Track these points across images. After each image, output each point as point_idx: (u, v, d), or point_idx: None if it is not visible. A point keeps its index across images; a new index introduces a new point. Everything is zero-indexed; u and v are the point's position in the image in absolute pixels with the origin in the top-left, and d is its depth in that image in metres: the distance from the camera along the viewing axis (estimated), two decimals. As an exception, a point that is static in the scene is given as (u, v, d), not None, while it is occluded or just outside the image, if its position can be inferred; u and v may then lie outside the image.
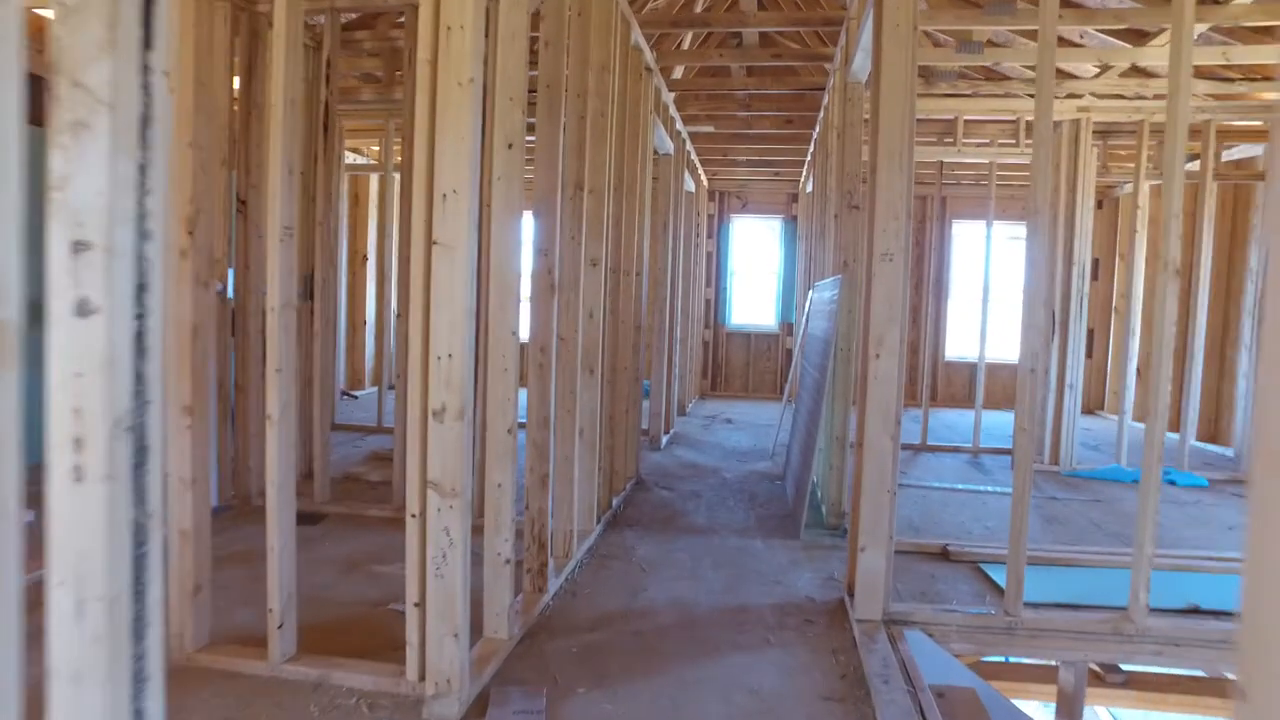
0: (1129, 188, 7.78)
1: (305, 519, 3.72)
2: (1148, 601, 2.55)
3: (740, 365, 9.73)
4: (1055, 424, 5.43)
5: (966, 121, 5.77)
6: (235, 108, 4.06)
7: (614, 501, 4.08)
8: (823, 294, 4.37)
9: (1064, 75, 5.21)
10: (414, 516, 1.99)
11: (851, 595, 2.74)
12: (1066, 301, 5.38)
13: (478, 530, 2.21)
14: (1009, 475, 5.26)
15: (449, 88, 1.88)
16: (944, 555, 3.44)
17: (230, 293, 3.94)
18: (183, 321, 2.16)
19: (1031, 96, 5.39)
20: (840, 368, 3.74)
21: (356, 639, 2.46)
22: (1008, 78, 5.41)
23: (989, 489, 4.81)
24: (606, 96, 3.50)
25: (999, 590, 3.03)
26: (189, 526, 2.19)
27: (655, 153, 5.88)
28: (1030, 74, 5.44)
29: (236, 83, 4.06)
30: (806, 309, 5.73)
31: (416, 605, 2.02)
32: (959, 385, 9.40)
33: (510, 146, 2.30)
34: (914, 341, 9.27)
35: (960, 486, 4.84)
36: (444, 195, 1.89)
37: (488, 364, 2.35)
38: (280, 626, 2.16)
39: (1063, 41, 4.74)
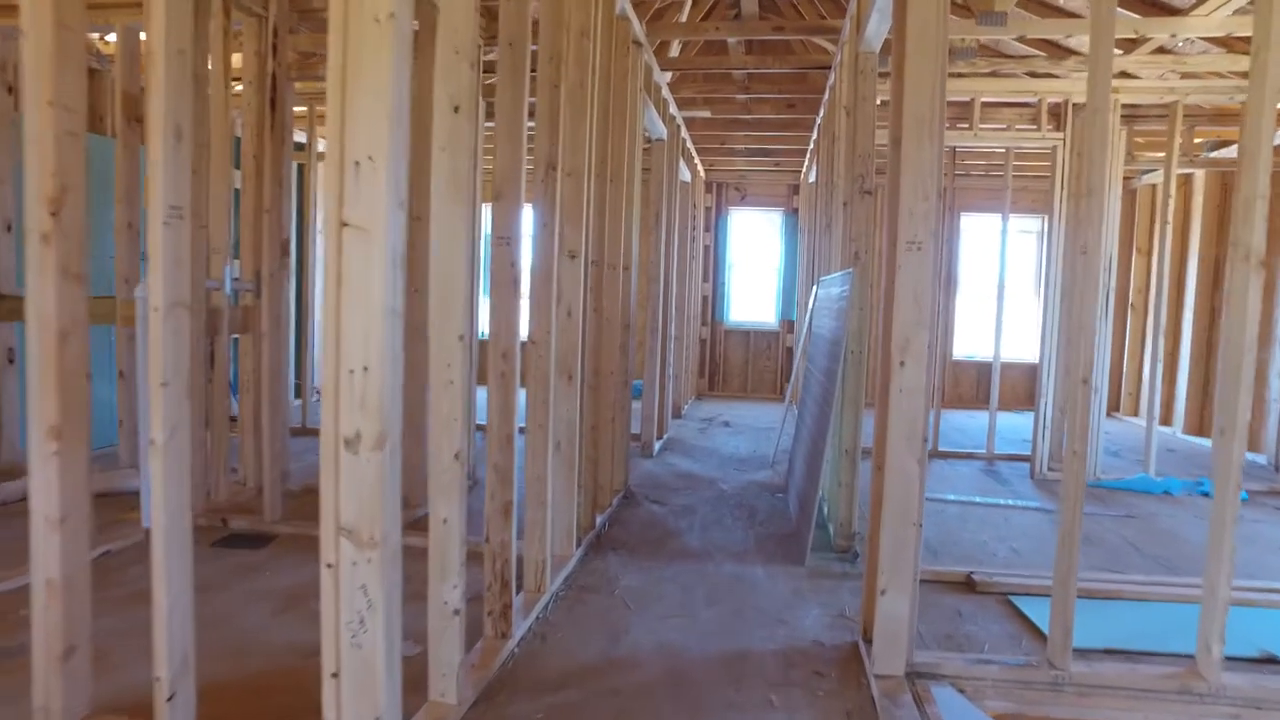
0: (1146, 178, 7.37)
1: (249, 542, 3.32)
2: (1222, 654, 2.14)
3: (739, 364, 9.33)
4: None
5: (983, 104, 5.35)
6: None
7: (598, 520, 3.68)
8: (830, 290, 3.96)
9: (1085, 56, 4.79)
10: (329, 567, 1.59)
11: (868, 642, 2.34)
12: (1091, 298, 4.96)
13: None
14: (1029, 486, 4.86)
15: (363, 24, 1.46)
16: (969, 585, 3.03)
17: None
18: (46, 322, 1.75)
19: (1055, 76, 4.98)
20: (851, 372, 3.34)
21: (277, 702, 2.06)
22: (1030, 55, 5.00)
23: (1010, 502, 4.40)
24: (587, 66, 3.09)
25: (1036, 631, 2.62)
26: (57, 575, 1.78)
27: (647, 138, 5.46)
28: (1043, 52, 5.03)
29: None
30: (810, 306, 5.32)
31: (334, 676, 1.62)
32: (966, 385, 9.00)
33: (457, 110, 1.89)
34: (921, 339, 8.85)
35: (978, 500, 4.44)
36: (356, 163, 1.47)
37: (430, 376, 1.94)
38: (171, 698, 1.75)
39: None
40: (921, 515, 2.20)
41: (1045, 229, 5.63)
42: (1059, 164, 5.00)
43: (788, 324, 9.16)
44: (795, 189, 9.06)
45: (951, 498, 4.47)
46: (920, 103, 2.09)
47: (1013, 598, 2.91)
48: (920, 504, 2.19)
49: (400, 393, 1.57)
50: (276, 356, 3.55)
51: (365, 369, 1.49)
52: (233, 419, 4.14)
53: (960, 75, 5.02)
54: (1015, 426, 7.43)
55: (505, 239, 2.32)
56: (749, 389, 9.32)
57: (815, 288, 5.33)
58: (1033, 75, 5.04)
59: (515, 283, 2.33)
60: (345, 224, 1.49)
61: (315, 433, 5.73)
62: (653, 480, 4.74)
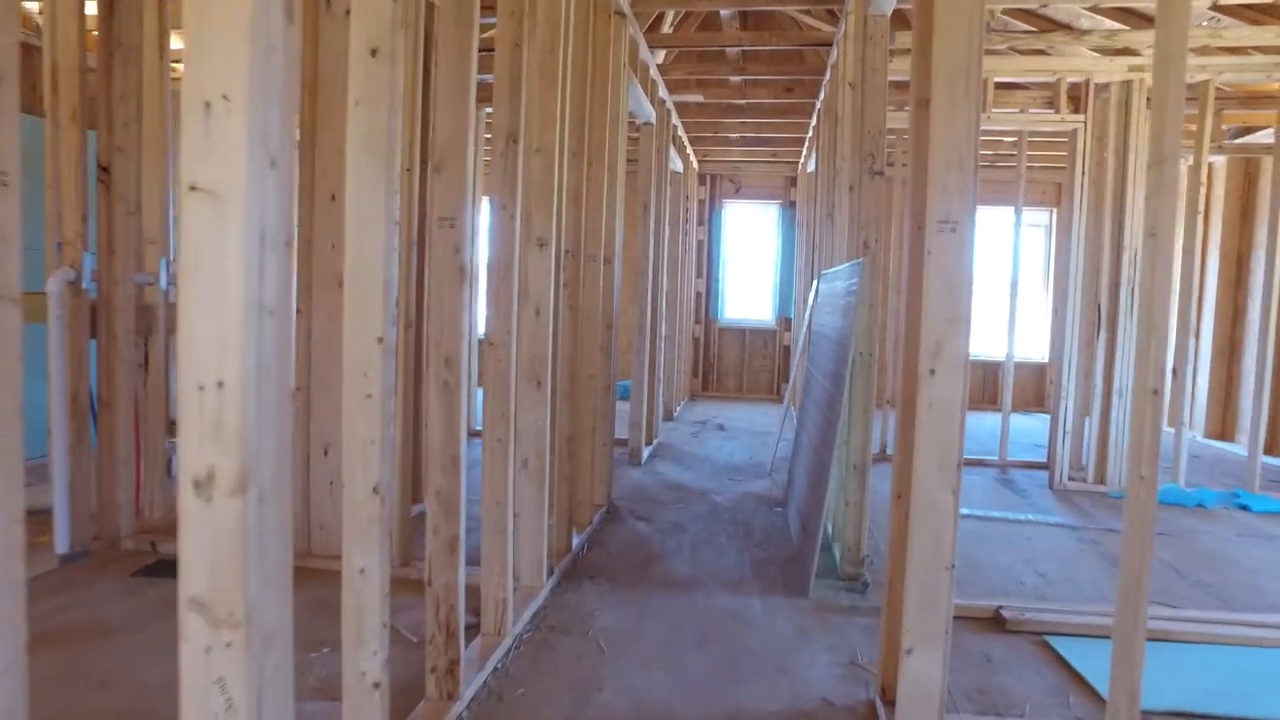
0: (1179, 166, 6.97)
1: (171, 569, 2.91)
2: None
3: (734, 363, 8.94)
4: (1100, 437, 4.64)
5: (996, 85, 4.96)
6: (96, 50, 3.24)
7: (575, 541, 3.28)
8: (834, 284, 3.57)
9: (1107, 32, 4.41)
10: (186, 642, 1.19)
11: (889, 704, 1.95)
12: (1115, 293, 4.59)
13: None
14: (1048, 497, 4.48)
15: (210, -91, 1.06)
16: (998, 623, 2.64)
17: (88, 282, 3.12)
18: None
19: (1070, 54, 4.59)
20: (860, 376, 2.94)
21: (159, 795, 1.65)
22: (1051, 28, 4.61)
23: (1031, 518, 4.01)
24: (559, 27, 2.69)
25: (1083, 683, 2.24)
26: None
27: (634, 122, 5.07)
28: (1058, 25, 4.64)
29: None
30: (811, 303, 4.93)
31: (198, 789, 1.22)
32: (971, 386, 8.62)
33: (374, 54, 1.49)
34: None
35: (996, 515, 4.05)
36: (206, 104, 1.07)
37: (343, 390, 1.54)
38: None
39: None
40: (954, 556, 1.81)
41: (1053, 222, 5.26)
42: (1079, 149, 4.61)
43: (785, 321, 8.77)
44: (792, 181, 8.67)
45: (966, 512, 4.08)
46: (955, 47, 1.69)
47: (1051, 639, 2.52)
48: (954, 543, 1.80)
49: (281, 416, 1.17)
50: None
51: (220, 384, 1.09)
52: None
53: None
54: (1025, 430, 7.06)
55: (449, 220, 1.92)
56: (744, 389, 8.93)
57: (816, 282, 4.94)
58: (1051, 54, 4.65)
59: (462, 273, 1.93)
60: (192, 187, 1.08)
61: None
62: (640, 492, 4.34)
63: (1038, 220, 8.40)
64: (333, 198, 2.98)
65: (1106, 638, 2.56)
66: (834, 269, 3.72)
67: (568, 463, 3.14)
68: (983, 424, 7.27)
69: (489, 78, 3.39)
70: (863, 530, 3.05)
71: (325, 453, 2.99)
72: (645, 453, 5.19)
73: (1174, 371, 7.16)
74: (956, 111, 1.72)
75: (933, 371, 1.74)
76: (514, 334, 2.31)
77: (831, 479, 2.87)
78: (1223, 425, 6.48)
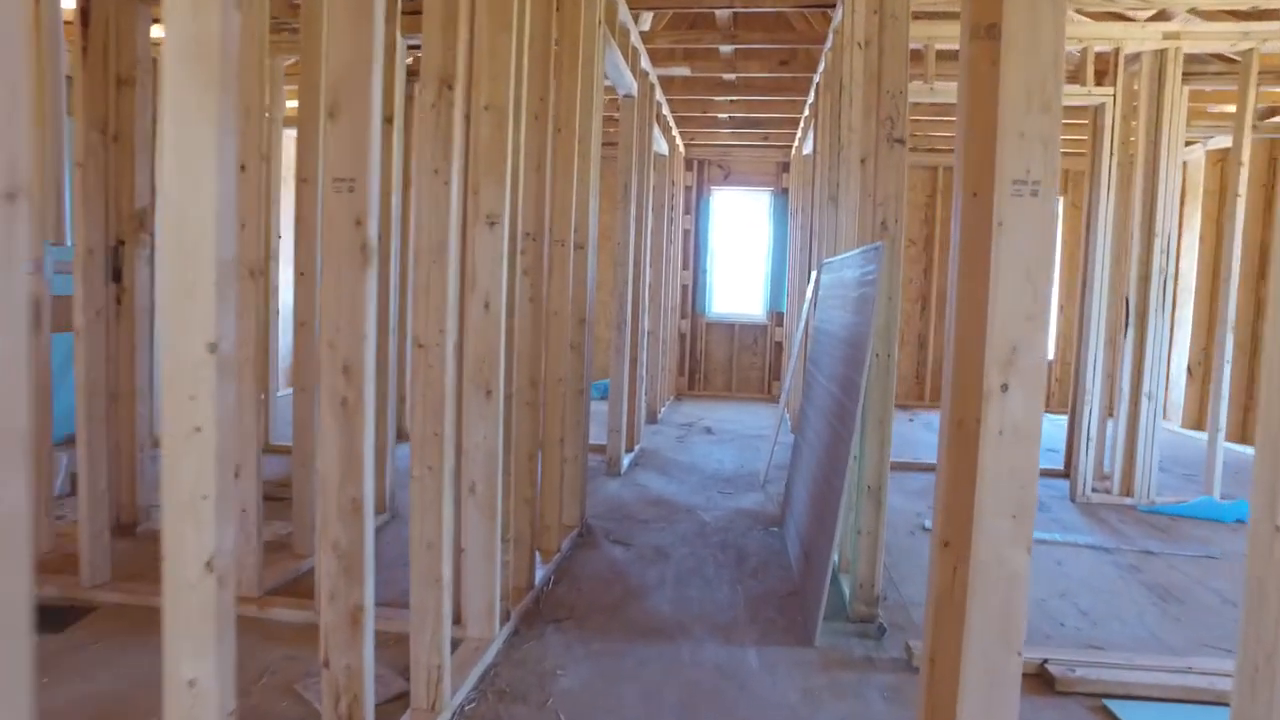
0: (1198, 150, 6.56)
1: (50, 619, 2.41)
2: None
3: (722, 360, 8.47)
4: (1128, 444, 4.20)
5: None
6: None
7: (540, 575, 2.80)
8: (841, 274, 3.09)
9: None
10: None
11: (930, 822, 1.48)
12: (1145, 285, 4.14)
13: None
14: (1072, 511, 4.04)
15: None
16: (1045, 681, 2.19)
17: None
18: None
19: (1106, 18, 4.14)
20: (877, 383, 2.47)
21: None
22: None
23: (1058, 539, 3.57)
24: (512, -45, 2.19)
25: (1165, 774, 1.78)
26: None
27: (613, 92, 4.57)
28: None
29: None
30: (811, 296, 4.46)
31: None
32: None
33: (201, -82, 1.00)
34: (923, 335, 8.04)
35: (1019, 535, 3.60)
36: None
37: (163, 417, 1.05)
38: None
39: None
40: (1023, 635, 1.34)
41: (1060, 210, 4.81)
42: (1107, 125, 4.15)
43: (776, 316, 8.31)
44: (785, 166, 8.20)
45: (985, 531, 3.63)
46: (1042, -62, 1.22)
47: (1111, 704, 2.06)
48: (1024, 618, 1.33)
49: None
50: (95, 358, 2.63)
51: None
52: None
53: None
54: (1032, 432, 6.62)
55: (346, 182, 1.43)
56: (734, 388, 8.46)
57: (815, 273, 4.47)
58: (1073, 20, 4.20)
59: (365, 253, 1.44)
60: None
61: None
62: (618, 509, 3.86)
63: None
64: (243, 168, 2.47)
65: (1179, 701, 2.11)
66: (840, 256, 3.24)
67: (529, 483, 2.66)
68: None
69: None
70: (877, 562, 2.58)
71: (236, 475, 2.49)
72: (625, 461, 4.71)
73: (1188, 370, 6.75)
74: (1040, 32, 1.25)
75: (1005, 387, 1.26)
76: (449, 333, 1.82)
77: (843, 502, 2.40)
78: (1244, 427, 6.07)
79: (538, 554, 3.02)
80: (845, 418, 2.50)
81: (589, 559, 3.13)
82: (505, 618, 2.40)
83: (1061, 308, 7.55)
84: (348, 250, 1.43)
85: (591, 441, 5.24)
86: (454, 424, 2.26)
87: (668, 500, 4.05)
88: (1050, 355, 7.57)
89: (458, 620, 2.33)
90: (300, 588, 2.66)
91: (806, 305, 4.51)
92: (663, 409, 6.95)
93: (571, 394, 3.34)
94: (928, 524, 3.70)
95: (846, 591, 2.71)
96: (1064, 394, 7.90)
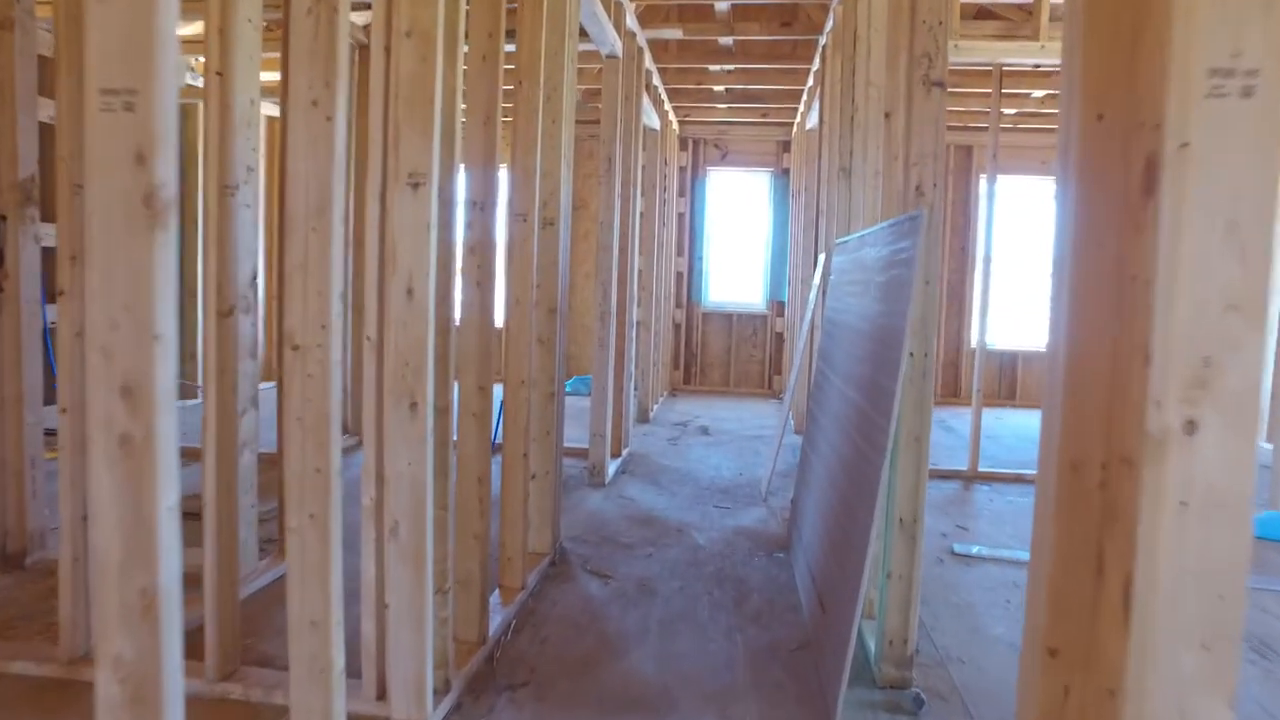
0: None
1: None
2: None
3: (719, 353, 7.96)
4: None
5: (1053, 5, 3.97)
6: None
7: (496, 623, 2.30)
8: (860, 254, 2.57)
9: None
10: None
11: None
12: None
13: None
14: None
15: None
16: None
17: None
18: None
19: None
20: (913, 390, 1.96)
21: None
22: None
23: None
24: None
25: None
26: None
27: (590, 47, 4.04)
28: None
29: None
30: (817, 282, 3.94)
31: None
32: (988, 379, 7.68)
33: None
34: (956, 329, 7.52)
35: (1064, 560, 3.09)
36: None
37: None
38: None
39: None
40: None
41: None
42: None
43: (777, 306, 7.79)
44: (786, 146, 7.66)
45: (1024, 557, 3.13)
46: None
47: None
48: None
49: None
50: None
51: None
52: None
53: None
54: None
55: (121, 96, 0.91)
56: (732, 382, 7.95)
57: (824, 256, 3.95)
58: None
59: (152, 205, 0.92)
60: None
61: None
62: (599, 528, 3.35)
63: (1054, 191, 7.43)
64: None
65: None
66: (857, 234, 2.72)
67: (479, 514, 2.15)
68: (1004, 424, 6.34)
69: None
70: (911, 613, 2.07)
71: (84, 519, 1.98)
72: (611, 469, 4.20)
73: None
74: None
75: (1191, 425, 0.75)
76: (331, 330, 1.31)
77: (872, 536, 1.88)
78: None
79: (498, 592, 2.52)
80: (872, 433, 1.99)
81: (560, 596, 2.61)
82: (444, 688, 1.89)
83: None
84: (120, 204, 0.90)
85: (573, 445, 4.73)
86: (375, 446, 1.76)
87: (657, 517, 3.54)
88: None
89: (381, 696, 1.83)
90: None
91: (814, 293, 3.99)
92: (655, 406, 6.44)
93: (540, 398, 2.82)
94: (957, 547, 3.19)
95: (871, 646, 2.20)
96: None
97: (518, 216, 2.46)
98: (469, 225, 2.06)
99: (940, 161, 1.98)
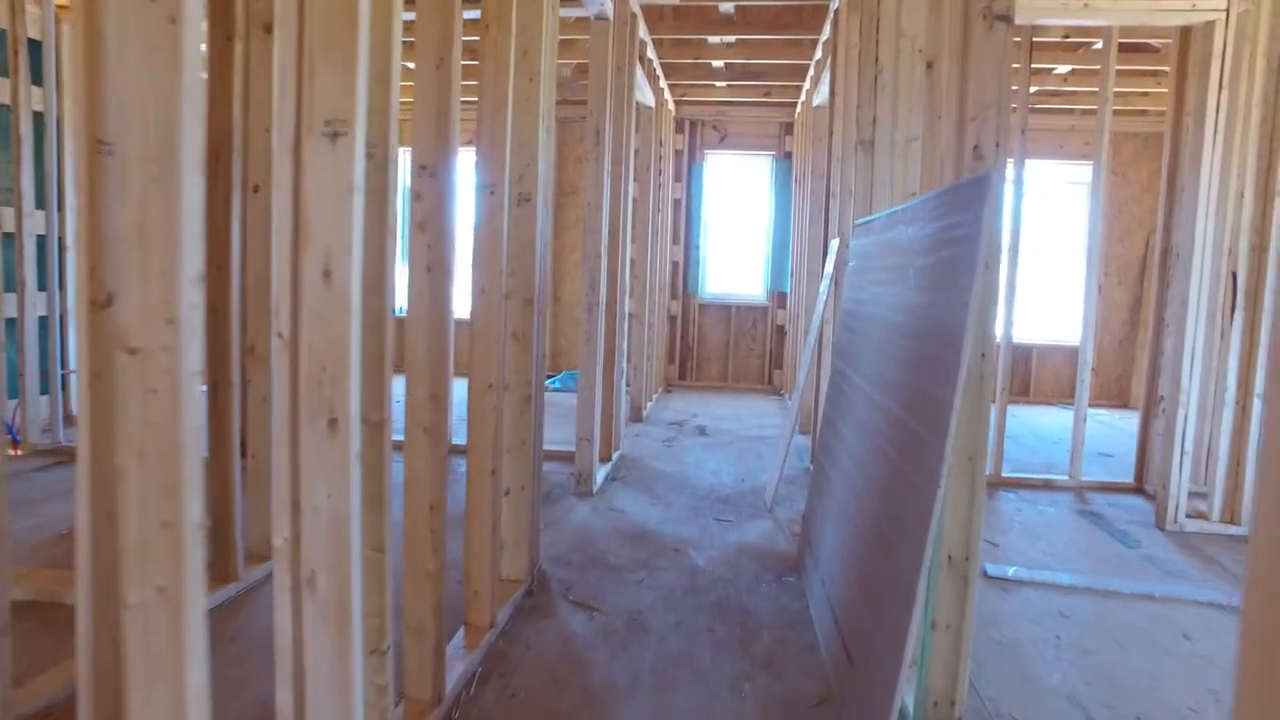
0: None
1: None
2: None
3: (717, 346, 7.57)
4: (1233, 456, 3.32)
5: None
6: None
7: (456, 675, 1.91)
8: (892, 235, 2.18)
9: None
10: None
11: None
12: (1260, 257, 3.25)
13: None
14: (1164, 544, 3.16)
15: None
16: None
17: None
18: None
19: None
20: (969, 398, 1.57)
21: None
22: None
23: (1171, 593, 2.69)
24: None
25: None
26: None
27: (589, 26, 3.64)
28: None
29: None
30: (829, 270, 3.55)
31: None
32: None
33: None
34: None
35: (1117, 587, 2.72)
36: None
37: None
38: None
39: None
40: None
41: (1100, 177, 3.93)
42: (1216, 50, 3.24)
43: (778, 297, 7.41)
44: (788, 128, 7.26)
45: (1067, 580, 2.76)
46: None
47: None
48: None
49: None
50: None
51: None
52: None
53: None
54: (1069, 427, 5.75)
55: None
56: (730, 378, 7.57)
57: (835, 243, 3.56)
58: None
59: None
60: None
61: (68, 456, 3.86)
62: (585, 546, 2.97)
63: (1078, 177, 7.07)
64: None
65: None
66: (886, 211, 2.33)
67: (432, 548, 1.76)
68: (1024, 424, 5.97)
69: None
70: (960, 671, 1.70)
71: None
72: (599, 476, 3.82)
73: None
74: None
75: None
76: (183, 327, 0.92)
77: (918, 595, 1.50)
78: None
79: (462, 632, 2.13)
80: (916, 451, 1.60)
81: (536, 636, 2.23)
82: (381, 770, 1.51)
83: (1100, 287, 6.65)
84: None
85: (560, 448, 4.35)
86: (289, 472, 1.38)
87: (650, 533, 3.15)
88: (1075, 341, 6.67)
89: (302, 785, 1.45)
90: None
91: (825, 283, 3.60)
92: (649, 403, 6.06)
93: (514, 402, 2.43)
94: (990, 569, 2.82)
95: (909, 704, 1.82)
96: (1103, 386, 7.04)
97: (485, 189, 2.06)
98: (417, 195, 1.66)
99: (1005, 115, 1.59)
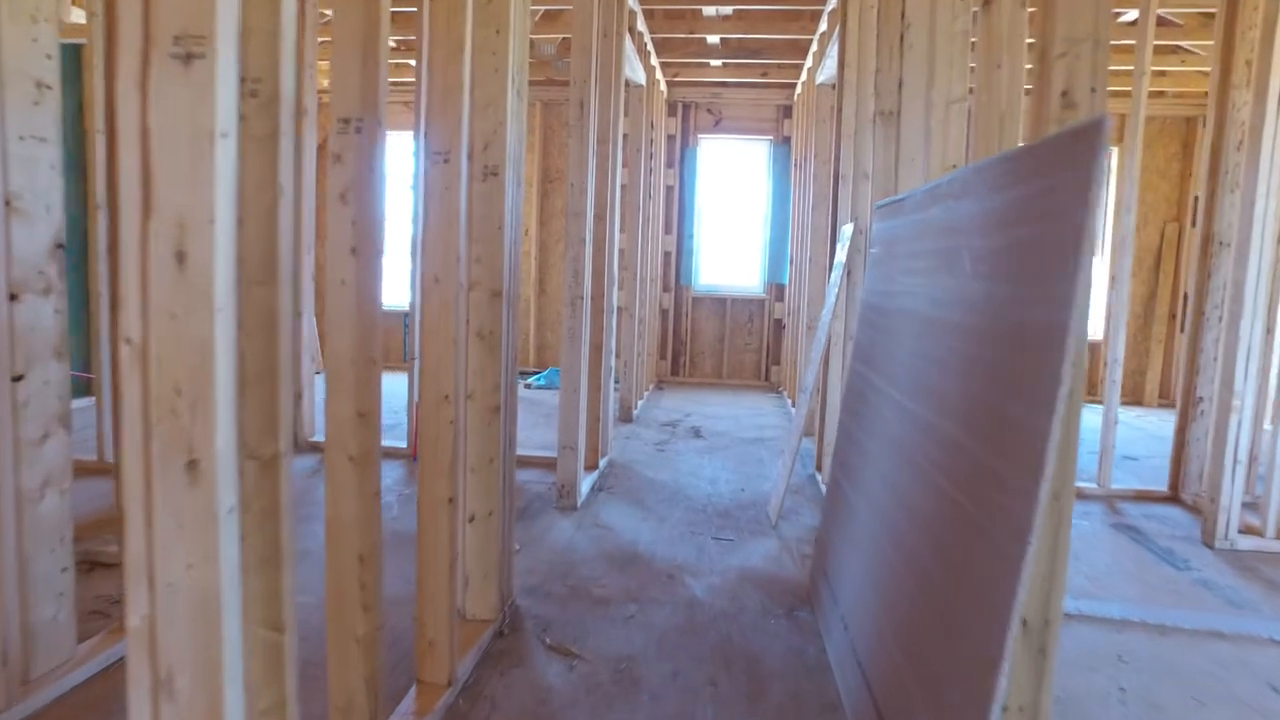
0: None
1: None
2: None
3: (711, 341, 7.21)
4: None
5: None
6: None
7: (401, 758, 1.54)
8: (935, 213, 1.80)
9: None
10: None
11: None
12: (1324, 243, 2.90)
13: None
14: (1218, 566, 2.81)
15: None
16: None
17: None
18: None
19: None
20: (1067, 425, 1.20)
21: None
22: None
23: (1250, 629, 2.34)
24: None
25: None
26: None
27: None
28: None
29: None
30: (843, 260, 3.18)
31: None
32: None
33: None
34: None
35: (1173, 622, 2.37)
36: None
37: None
38: None
39: None
40: None
41: (1132, 163, 3.57)
42: None
43: (776, 289, 7.05)
44: (787, 111, 6.88)
45: (1119, 613, 2.41)
46: None
47: None
48: None
49: None
50: None
51: None
52: None
53: None
54: (1095, 429, 5.42)
55: None
56: (725, 374, 7.20)
57: (848, 228, 3.19)
58: None
59: None
60: None
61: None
62: (567, 573, 2.60)
63: (1090, 162, 6.70)
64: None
65: None
66: (928, 186, 1.95)
67: (362, 609, 1.38)
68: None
69: None
70: (1033, 762, 1.34)
71: None
72: (585, 486, 3.45)
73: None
74: None
75: None
76: None
77: (1001, 675, 1.13)
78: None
79: (413, 693, 1.76)
80: (986, 488, 1.24)
81: (505, 691, 1.86)
82: None
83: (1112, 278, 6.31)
84: None
85: (542, 454, 3.98)
86: (143, 531, 1.01)
87: (641, 555, 2.79)
88: (1094, 335, 6.34)
89: None
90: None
91: (837, 272, 3.23)
92: (640, 402, 5.69)
93: (480, 414, 2.06)
94: (1031, 600, 2.46)
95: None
96: (1093, 380, 6.70)
97: (436, 156, 1.68)
98: (336, 157, 1.29)
99: (1105, 52, 1.22)
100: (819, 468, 3.87)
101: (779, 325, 7.02)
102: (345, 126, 1.29)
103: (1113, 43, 5.12)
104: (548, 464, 3.80)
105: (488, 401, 2.05)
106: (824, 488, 3.63)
